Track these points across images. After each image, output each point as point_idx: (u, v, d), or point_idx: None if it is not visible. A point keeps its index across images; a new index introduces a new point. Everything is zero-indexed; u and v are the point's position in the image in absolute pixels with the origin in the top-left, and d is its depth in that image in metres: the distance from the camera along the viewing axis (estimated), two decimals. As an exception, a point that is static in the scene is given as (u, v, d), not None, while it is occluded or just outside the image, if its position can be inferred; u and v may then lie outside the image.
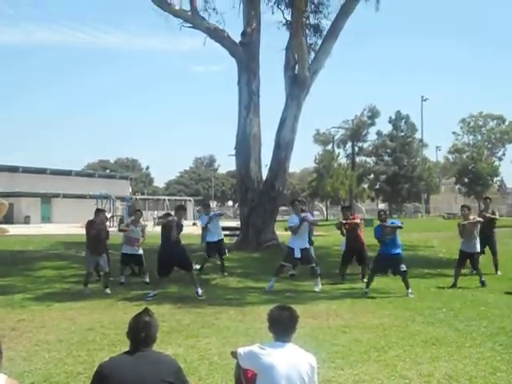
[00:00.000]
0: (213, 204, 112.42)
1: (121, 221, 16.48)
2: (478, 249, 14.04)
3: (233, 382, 5.59)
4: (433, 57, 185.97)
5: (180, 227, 12.52)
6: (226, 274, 15.74)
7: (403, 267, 12.67)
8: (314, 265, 13.45)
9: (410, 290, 12.48)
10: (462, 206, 14.94)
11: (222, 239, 16.79)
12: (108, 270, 13.43)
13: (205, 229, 16.53)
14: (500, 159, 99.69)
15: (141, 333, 4.54)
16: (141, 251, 14.86)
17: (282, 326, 4.99)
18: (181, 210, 13.00)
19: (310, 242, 14.80)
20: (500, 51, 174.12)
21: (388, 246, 12.78)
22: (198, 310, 10.82)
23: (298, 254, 13.26)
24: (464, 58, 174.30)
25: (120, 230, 15.57)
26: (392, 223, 13.08)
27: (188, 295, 12.68)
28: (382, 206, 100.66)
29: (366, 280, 13.64)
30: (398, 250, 12.85)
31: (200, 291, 12.38)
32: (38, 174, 69.00)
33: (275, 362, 4.77)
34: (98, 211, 14.15)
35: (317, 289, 13.21)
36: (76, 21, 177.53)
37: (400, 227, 12.93)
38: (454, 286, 13.54)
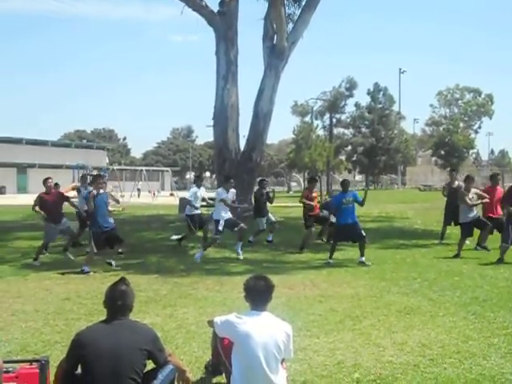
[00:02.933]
0: (190, 175, 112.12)
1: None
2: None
3: (209, 351, 5.65)
4: (411, 29, 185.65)
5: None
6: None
7: (362, 231, 12.91)
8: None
9: (363, 259, 12.64)
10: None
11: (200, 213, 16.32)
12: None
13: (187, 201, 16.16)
14: (476, 132, 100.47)
15: (117, 301, 4.56)
16: None
17: (258, 295, 5.03)
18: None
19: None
20: (477, 26, 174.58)
21: (345, 215, 12.96)
22: (175, 280, 10.85)
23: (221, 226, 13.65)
24: (443, 30, 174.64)
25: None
26: (354, 195, 13.15)
27: (166, 266, 12.71)
28: (358, 177, 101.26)
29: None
30: (356, 219, 13.05)
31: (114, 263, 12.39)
32: (13, 144, 68.17)
33: (251, 330, 4.82)
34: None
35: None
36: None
37: (360, 203, 13.16)
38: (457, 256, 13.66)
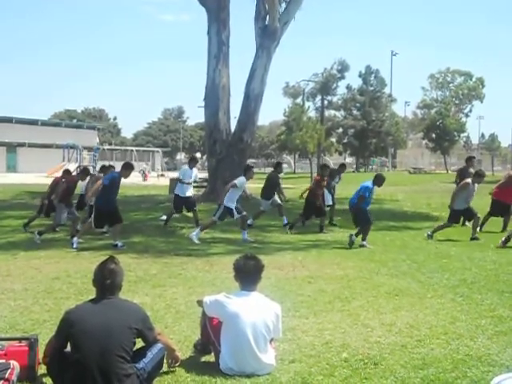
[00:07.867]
0: (181, 156, 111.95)
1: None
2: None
3: (198, 330, 5.66)
4: (403, 12, 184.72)
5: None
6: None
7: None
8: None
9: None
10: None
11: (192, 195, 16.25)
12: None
13: (180, 181, 16.03)
14: (467, 115, 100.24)
15: (106, 280, 4.57)
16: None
17: (248, 275, 5.05)
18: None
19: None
20: (469, 10, 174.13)
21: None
22: (164, 260, 10.85)
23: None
24: (435, 13, 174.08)
25: None
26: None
27: (155, 246, 12.71)
28: (349, 159, 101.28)
29: (325, 231, 14.77)
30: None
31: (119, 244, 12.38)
32: (3, 122, 67.63)
33: (240, 310, 4.84)
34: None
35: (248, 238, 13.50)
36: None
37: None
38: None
